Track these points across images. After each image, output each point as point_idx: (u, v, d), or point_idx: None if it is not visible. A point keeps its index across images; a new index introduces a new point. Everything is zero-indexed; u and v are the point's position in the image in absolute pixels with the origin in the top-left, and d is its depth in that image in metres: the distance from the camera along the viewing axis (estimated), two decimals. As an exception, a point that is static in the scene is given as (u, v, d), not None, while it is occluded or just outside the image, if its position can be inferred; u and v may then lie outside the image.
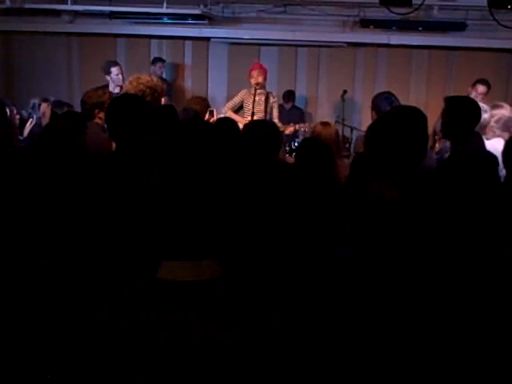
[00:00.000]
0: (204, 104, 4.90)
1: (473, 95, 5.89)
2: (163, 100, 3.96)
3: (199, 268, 1.22)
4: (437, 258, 1.69)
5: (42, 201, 2.40)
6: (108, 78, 6.10)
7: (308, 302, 1.77)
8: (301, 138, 6.36)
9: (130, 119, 2.59)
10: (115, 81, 6.02)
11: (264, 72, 5.94)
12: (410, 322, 1.65)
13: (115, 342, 1.15)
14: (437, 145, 4.51)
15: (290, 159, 4.86)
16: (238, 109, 6.14)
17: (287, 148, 5.63)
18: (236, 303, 1.20)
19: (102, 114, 3.92)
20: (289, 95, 7.55)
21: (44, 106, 4.80)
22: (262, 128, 3.04)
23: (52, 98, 5.05)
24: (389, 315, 1.66)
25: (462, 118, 3.27)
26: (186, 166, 1.25)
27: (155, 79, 3.94)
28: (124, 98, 2.95)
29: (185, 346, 1.14)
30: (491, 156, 2.73)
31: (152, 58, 8.00)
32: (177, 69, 8.38)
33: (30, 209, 2.42)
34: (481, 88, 6.00)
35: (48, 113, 4.66)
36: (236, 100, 6.11)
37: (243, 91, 6.05)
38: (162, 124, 2.76)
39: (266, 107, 5.88)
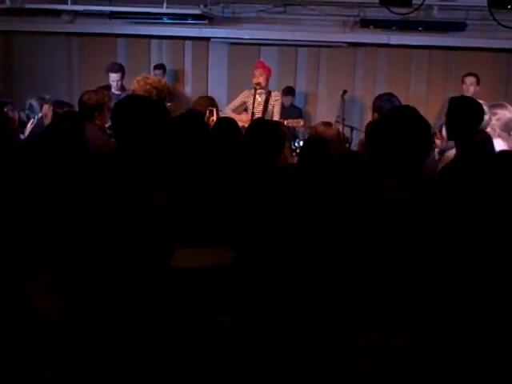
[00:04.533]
0: (206, 104, 4.90)
1: (464, 89, 6.00)
2: (168, 104, 3.97)
3: (213, 254, 1.23)
4: (442, 259, 1.69)
5: (42, 198, 2.40)
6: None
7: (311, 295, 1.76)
8: (301, 137, 6.36)
9: (136, 120, 2.58)
10: (112, 86, 6.07)
11: (266, 72, 5.91)
12: (411, 322, 1.65)
13: (136, 332, 1.16)
14: (437, 143, 4.51)
15: (294, 159, 4.87)
16: (242, 111, 6.12)
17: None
18: (248, 288, 1.21)
19: (100, 117, 3.93)
20: (289, 90, 7.57)
21: (46, 107, 4.80)
22: (264, 129, 3.02)
23: (47, 97, 5.05)
24: (393, 315, 1.66)
25: (466, 119, 3.27)
26: (196, 159, 1.26)
27: (163, 81, 3.95)
28: (131, 99, 2.94)
29: (199, 330, 1.15)
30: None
31: (152, 58, 8.03)
32: (177, 69, 8.37)
33: (29, 206, 2.41)
34: (469, 79, 6.17)
35: (50, 114, 4.66)
36: (237, 101, 6.08)
37: (245, 92, 6.04)
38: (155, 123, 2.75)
39: (265, 107, 5.87)
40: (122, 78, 6.17)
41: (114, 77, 6.09)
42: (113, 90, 6.06)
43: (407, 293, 1.65)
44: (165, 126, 2.45)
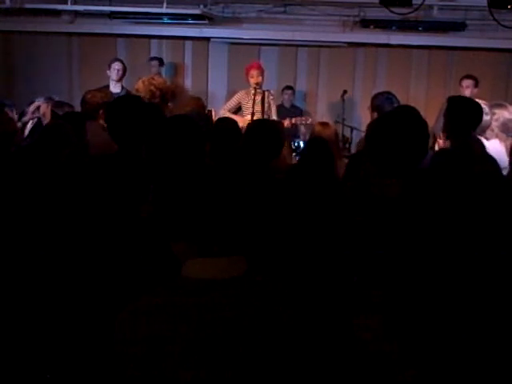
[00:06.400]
0: (200, 103, 4.90)
1: (461, 91, 6.03)
2: (169, 105, 3.97)
3: (228, 264, 1.21)
4: (438, 255, 1.69)
5: (43, 201, 2.40)
6: (108, 72, 6.16)
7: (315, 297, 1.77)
8: (301, 137, 6.36)
9: (128, 120, 2.59)
10: (112, 74, 6.07)
11: (263, 71, 5.95)
12: (411, 320, 1.65)
13: (144, 345, 1.13)
14: (436, 146, 4.51)
15: (293, 159, 4.87)
16: (236, 111, 6.13)
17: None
18: (262, 299, 1.19)
19: (104, 116, 3.93)
20: (288, 87, 7.60)
21: (44, 106, 4.79)
22: (264, 128, 3.02)
23: (56, 98, 5.05)
24: (392, 312, 1.66)
25: (463, 118, 3.28)
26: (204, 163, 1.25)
27: (168, 82, 3.95)
28: (123, 99, 2.95)
29: (214, 342, 1.14)
30: (493, 159, 2.74)
31: (152, 58, 8.04)
32: (177, 69, 8.38)
33: (30, 209, 2.42)
34: (465, 82, 6.18)
35: (48, 113, 4.65)
36: (233, 102, 6.09)
37: (240, 93, 6.05)
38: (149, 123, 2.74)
39: (263, 107, 5.88)
40: (124, 71, 6.18)
41: (116, 65, 6.11)
42: (111, 87, 6.06)
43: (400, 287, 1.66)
44: (160, 127, 2.45)
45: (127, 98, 3.08)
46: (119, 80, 6.13)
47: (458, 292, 1.72)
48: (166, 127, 2.49)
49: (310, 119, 6.41)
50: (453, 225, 1.79)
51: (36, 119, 4.84)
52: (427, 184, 2.02)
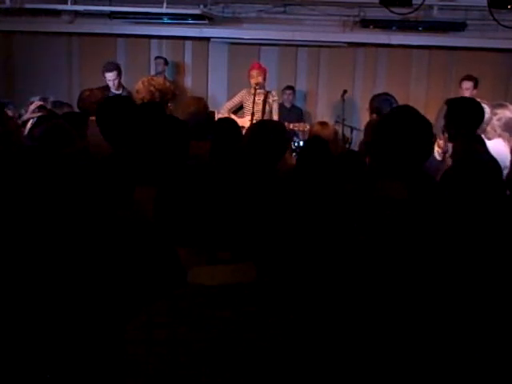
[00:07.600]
0: (202, 103, 4.89)
1: (460, 93, 6.04)
2: (170, 105, 3.96)
3: (237, 271, 1.19)
4: (444, 257, 1.69)
5: (46, 203, 2.39)
6: (103, 78, 6.15)
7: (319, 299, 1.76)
8: (300, 137, 6.36)
9: (116, 121, 2.59)
10: (110, 86, 6.05)
11: (263, 72, 5.95)
12: (414, 321, 1.65)
13: (155, 349, 1.13)
14: (436, 146, 4.51)
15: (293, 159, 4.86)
16: (238, 109, 6.13)
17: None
18: (271, 305, 1.18)
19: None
20: (288, 86, 7.61)
21: (35, 103, 4.81)
22: (270, 130, 2.98)
23: (51, 98, 5.04)
24: (395, 313, 1.66)
25: (465, 119, 3.27)
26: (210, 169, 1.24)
27: (168, 83, 3.94)
28: (111, 100, 2.95)
29: (224, 348, 1.14)
30: (494, 160, 2.73)
31: (152, 58, 8.05)
32: (177, 69, 8.38)
33: (32, 210, 2.41)
34: (465, 84, 6.21)
35: (34, 108, 4.66)
36: (235, 101, 6.10)
37: (243, 91, 6.05)
38: (149, 122, 2.73)
39: (264, 107, 5.88)
40: (119, 76, 6.14)
41: (109, 76, 6.07)
42: (112, 90, 6.06)
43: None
44: (147, 127, 2.44)
45: (115, 99, 3.08)
46: (118, 88, 6.11)
47: (467, 294, 1.72)
48: (148, 127, 2.48)
49: (308, 126, 6.40)
50: (460, 227, 1.79)
51: (36, 118, 4.84)
52: (434, 187, 2.02)
